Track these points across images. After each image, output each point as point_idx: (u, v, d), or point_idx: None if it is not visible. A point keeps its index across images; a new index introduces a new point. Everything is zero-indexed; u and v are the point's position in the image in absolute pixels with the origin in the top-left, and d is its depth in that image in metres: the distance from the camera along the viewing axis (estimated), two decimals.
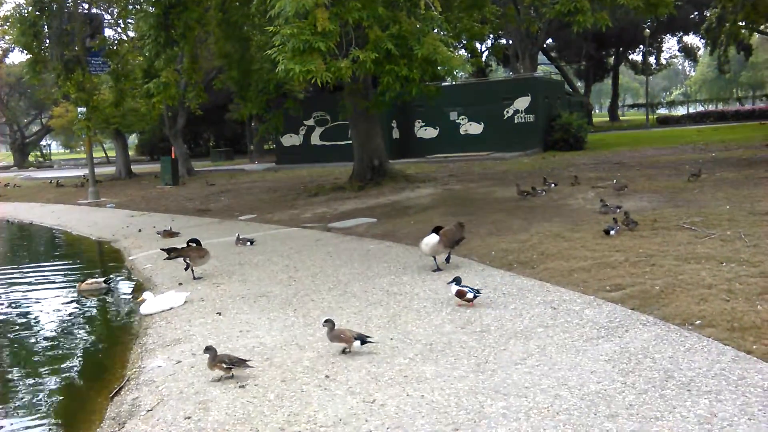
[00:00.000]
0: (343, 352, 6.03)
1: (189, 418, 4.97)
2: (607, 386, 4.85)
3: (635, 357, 5.34)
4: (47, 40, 18.90)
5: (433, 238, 8.65)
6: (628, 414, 4.39)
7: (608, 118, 65.53)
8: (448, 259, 9.12)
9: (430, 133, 32.10)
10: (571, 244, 9.50)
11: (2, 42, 38.93)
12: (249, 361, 5.75)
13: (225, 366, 5.58)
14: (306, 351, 6.18)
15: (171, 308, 8.22)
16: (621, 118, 68.46)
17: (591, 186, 15.59)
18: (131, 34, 26.22)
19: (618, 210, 11.41)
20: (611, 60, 61.85)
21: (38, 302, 10.07)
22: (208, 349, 5.73)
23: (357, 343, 5.93)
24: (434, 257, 8.97)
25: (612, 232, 9.71)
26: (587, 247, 9.21)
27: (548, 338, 5.95)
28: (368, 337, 6.04)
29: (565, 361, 5.38)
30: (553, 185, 15.62)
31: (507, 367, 5.38)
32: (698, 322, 5.95)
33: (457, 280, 7.22)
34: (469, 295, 7.07)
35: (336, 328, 6.06)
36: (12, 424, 5.76)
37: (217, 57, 20.33)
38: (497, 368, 5.36)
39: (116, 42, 22.58)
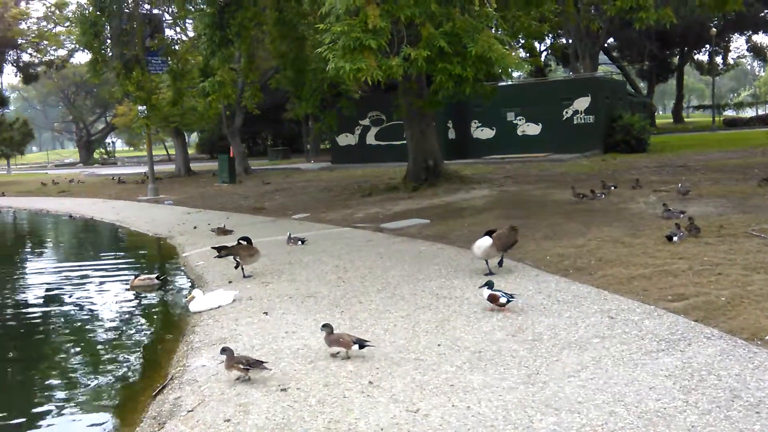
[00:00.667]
0: (338, 355, 5.93)
1: (228, 420, 4.87)
2: (667, 404, 4.53)
3: (698, 373, 5.00)
4: (108, 40, 19.35)
5: (485, 241, 8.39)
6: None
7: (672, 120, 63.67)
8: (500, 263, 8.84)
9: (486, 133, 31.63)
10: (631, 250, 9.10)
11: (68, 42, 40.10)
12: (266, 363, 5.63)
13: (242, 367, 5.49)
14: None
15: (219, 306, 8.19)
16: (685, 119, 66.36)
17: (653, 189, 15.02)
18: (190, 33, 26.68)
19: (681, 215, 10.93)
20: (675, 60, 60.03)
21: (92, 297, 10.22)
22: (225, 350, 5.69)
23: (355, 347, 5.85)
24: (486, 261, 8.71)
25: (675, 239, 9.27)
26: (648, 253, 8.81)
27: (604, 350, 5.64)
28: (366, 341, 5.94)
29: (622, 375, 5.08)
30: (613, 188, 15.13)
31: (559, 379, 5.10)
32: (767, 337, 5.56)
33: (489, 284, 7.04)
34: (502, 300, 6.87)
35: (335, 332, 6.00)
36: (54, 419, 5.78)
37: (273, 56, 20.43)
38: (549, 380, 5.10)
39: (175, 42, 22.95)
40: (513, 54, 11.90)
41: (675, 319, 6.26)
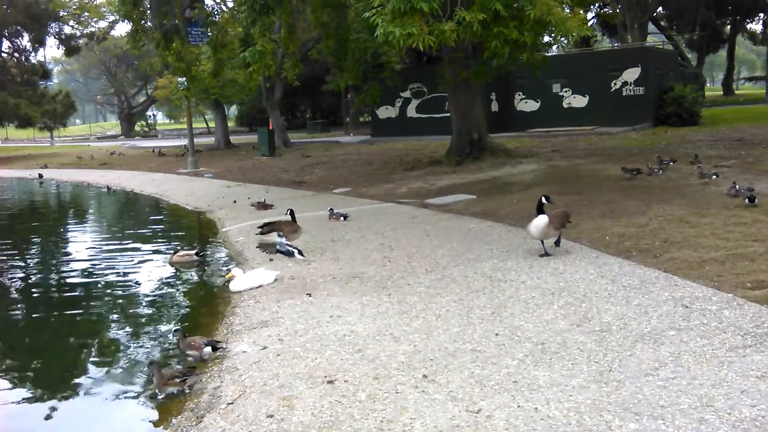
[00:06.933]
0: (201, 360, 5.73)
1: (271, 416, 4.47)
2: (765, 412, 3.99)
3: None
4: (148, 11, 19.03)
5: (542, 220, 7.84)
6: None
7: (722, 92, 61.44)
8: (558, 243, 8.30)
9: (531, 106, 30.72)
10: (698, 230, 8.46)
11: (108, 14, 40.06)
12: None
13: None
14: (401, 344, 5.58)
15: (260, 286, 7.83)
16: (736, 92, 63.96)
17: (713, 165, 14.19)
18: (230, 3, 26.27)
19: (749, 192, 10.22)
20: (727, 29, 57.70)
21: (130, 273, 9.95)
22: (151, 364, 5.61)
23: (207, 349, 5.76)
24: (542, 241, 8.17)
25: (756, 201, 9.15)
26: (717, 234, 8.17)
27: (682, 344, 5.10)
28: (219, 342, 5.88)
29: (708, 375, 4.54)
30: (671, 162, 14.38)
31: (636, 378, 4.59)
32: None
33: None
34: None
35: (187, 337, 5.94)
36: (91, 406, 5.48)
37: (314, 26, 19.90)
38: (624, 379, 4.59)
39: (215, 12, 22.51)
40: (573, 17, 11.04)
41: (758, 309, 5.67)
